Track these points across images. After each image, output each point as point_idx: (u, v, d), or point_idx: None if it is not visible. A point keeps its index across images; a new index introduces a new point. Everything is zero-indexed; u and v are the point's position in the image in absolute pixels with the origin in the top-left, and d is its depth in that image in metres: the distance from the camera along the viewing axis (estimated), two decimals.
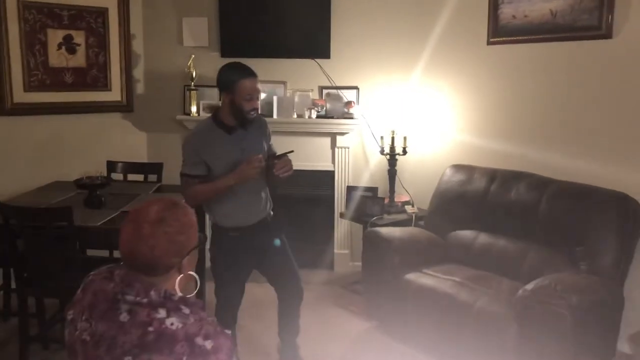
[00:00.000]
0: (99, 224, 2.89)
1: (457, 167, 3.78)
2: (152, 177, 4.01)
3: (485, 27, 3.78)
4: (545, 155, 3.49)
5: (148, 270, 1.29)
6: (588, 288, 2.72)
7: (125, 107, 4.50)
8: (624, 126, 3.18)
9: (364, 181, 4.39)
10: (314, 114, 4.28)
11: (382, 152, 4.11)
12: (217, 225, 2.73)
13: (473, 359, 2.90)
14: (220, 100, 2.78)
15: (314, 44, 4.32)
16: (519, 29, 3.60)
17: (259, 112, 2.73)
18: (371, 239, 3.53)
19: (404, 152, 4.06)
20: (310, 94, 4.40)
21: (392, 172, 4.12)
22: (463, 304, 2.93)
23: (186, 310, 1.26)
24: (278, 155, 2.61)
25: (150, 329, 1.20)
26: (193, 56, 4.33)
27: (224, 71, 2.60)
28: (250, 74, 2.57)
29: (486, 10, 3.76)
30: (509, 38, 3.66)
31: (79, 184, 3.19)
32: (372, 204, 4.03)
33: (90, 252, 3.41)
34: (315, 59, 4.32)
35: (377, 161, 4.35)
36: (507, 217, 3.38)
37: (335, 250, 4.52)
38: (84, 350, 1.25)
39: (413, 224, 3.94)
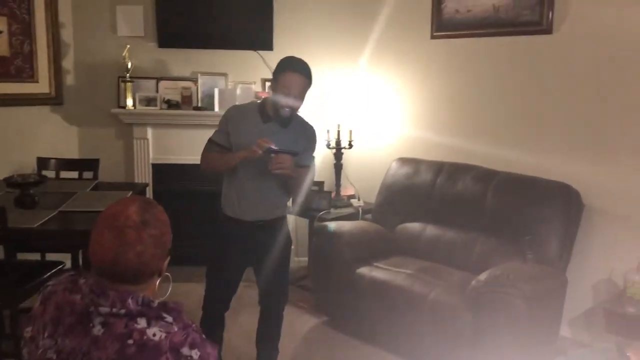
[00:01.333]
0: (35, 225, 2.67)
1: (403, 161, 3.79)
2: (88, 174, 3.77)
3: (429, 21, 3.81)
4: (490, 148, 3.57)
5: (131, 279, 1.18)
6: (538, 276, 2.80)
7: (54, 100, 4.20)
8: (564, 119, 3.30)
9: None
10: None
11: (328, 145, 4.07)
12: (222, 212, 2.66)
13: (428, 350, 2.93)
14: None
15: (256, 35, 4.21)
16: (462, 23, 3.66)
17: (293, 112, 2.54)
18: (321, 234, 3.49)
19: (350, 145, 4.04)
20: (253, 86, 4.28)
21: (338, 165, 4.09)
22: (417, 295, 2.95)
23: (169, 318, 1.15)
24: (277, 150, 2.47)
25: (130, 341, 1.09)
26: (128, 46, 4.10)
27: (280, 60, 2.55)
28: (298, 69, 2.49)
29: (430, 4, 3.80)
30: (453, 32, 3.72)
31: (10, 182, 2.94)
32: (320, 199, 3.99)
33: (21, 256, 3.17)
34: (258, 51, 4.21)
35: (322, 155, 4.30)
36: (455, 209, 3.44)
37: None
38: None
39: (360, 218, 3.93)
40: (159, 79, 4.22)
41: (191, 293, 3.09)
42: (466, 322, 2.77)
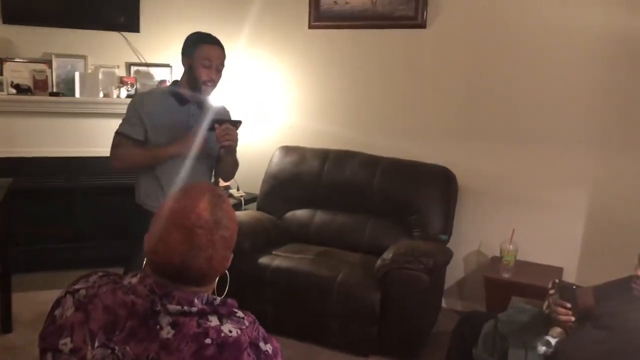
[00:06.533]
0: None
1: (287, 149, 3.80)
2: None
3: (307, 11, 3.86)
4: (372, 136, 3.74)
5: (197, 281, 1.04)
6: (434, 251, 3.02)
7: None
8: (439, 108, 3.60)
9: None
10: (123, 93, 3.84)
11: None
12: (139, 206, 2.40)
13: (338, 332, 2.99)
14: None
15: (121, 15, 3.86)
16: (341, 14, 3.77)
17: (215, 87, 2.42)
18: None
19: None
20: (117, 70, 3.93)
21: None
22: (326, 279, 2.99)
23: (240, 313, 1.04)
24: (220, 120, 2.32)
25: (208, 340, 0.96)
26: None
27: (189, 36, 2.39)
28: (215, 42, 2.40)
29: None
30: (331, 23, 3.81)
31: None
32: None
33: None
34: (122, 32, 3.87)
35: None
36: (343, 194, 3.55)
37: None
38: None
39: (242, 208, 3.86)
40: (3, 60, 3.65)
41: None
42: (375, 299, 2.90)
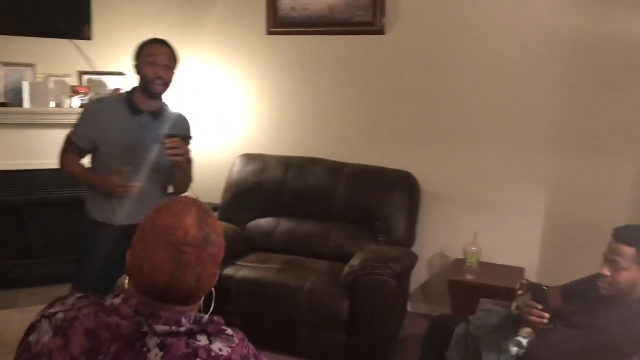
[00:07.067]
0: None
1: (249, 157, 3.75)
2: None
3: (265, 17, 3.83)
4: (334, 142, 3.74)
5: (184, 300, 1.00)
6: (401, 256, 3.03)
7: None
8: (399, 113, 3.62)
9: None
10: (76, 103, 3.70)
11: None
12: (86, 213, 2.39)
13: (305, 341, 2.96)
14: None
15: (72, 22, 3.71)
16: (299, 20, 3.75)
17: (166, 86, 2.39)
18: None
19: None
20: (68, 79, 3.78)
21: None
22: (293, 288, 2.96)
23: (229, 331, 1.00)
24: (171, 134, 2.27)
25: None
26: None
27: (139, 43, 2.38)
28: (160, 41, 2.41)
29: (264, 0, 3.81)
30: (289, 29, 3.79)
31: None
32: None
33: None
34: (73, 40, 3.73)
35: None
36: (307, 201, 3.52)
37: None
38: None
39: None
40: None
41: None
42: (343, 306, 2.88)
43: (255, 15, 3.84)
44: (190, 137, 2.38)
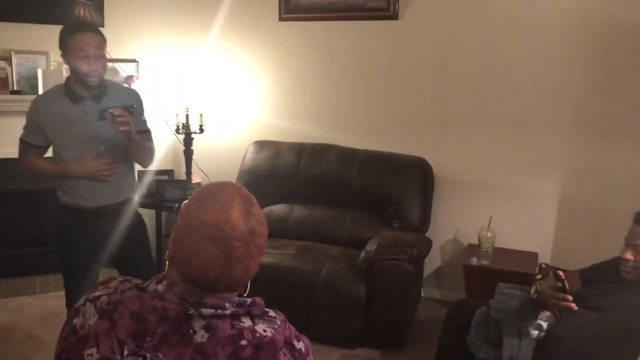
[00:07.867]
0: None
1: (261, 144, 3.76)
2: None
3: (277, 2, 3.81)
4: (347, 129, 3.73)
5: (230, 289, 1.01)
6: (416, 241, 3.04)
7: None
8: (413, 99, 3.61)
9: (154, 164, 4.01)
10: None
11: (177, 130, 3.81)
12: (58, 202, 2.37)
13: (326, 325, 2.98)
14: None
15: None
16: (312, 6, 3.73)
17: (101, 74, 2.28)
18: None
19: (201, 130, 3.84)
20: None
21: (188, 152, 3.85)
22: (310, 273, 2.98)
23: (271, 313, 1.01)
24: (108, 108, 2.20)
25: (244, 342, 0.93)
26: None
27: (60, 30, 2.21)
28: (85, 28, 2.24)
29: None
30: (302, 15, 3.77)
31: None
32: (173, 189, 3.74)
33: None
34: None
35: (167, 141, 4.01)
36: (321, 187, 3.53)
37: None
38: None
39: None
40: None
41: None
42: (360, 292, 2.90)
43: (267, 1, 3.83)
44: (132, 106, 2.27)
